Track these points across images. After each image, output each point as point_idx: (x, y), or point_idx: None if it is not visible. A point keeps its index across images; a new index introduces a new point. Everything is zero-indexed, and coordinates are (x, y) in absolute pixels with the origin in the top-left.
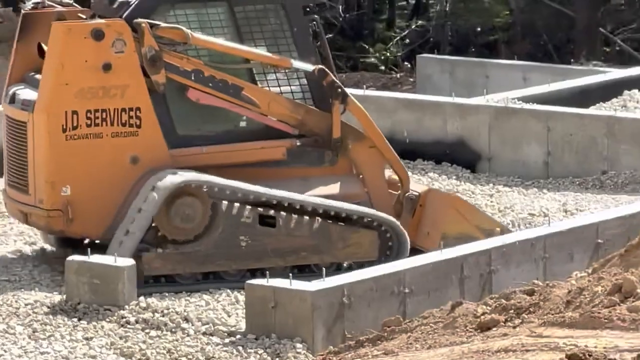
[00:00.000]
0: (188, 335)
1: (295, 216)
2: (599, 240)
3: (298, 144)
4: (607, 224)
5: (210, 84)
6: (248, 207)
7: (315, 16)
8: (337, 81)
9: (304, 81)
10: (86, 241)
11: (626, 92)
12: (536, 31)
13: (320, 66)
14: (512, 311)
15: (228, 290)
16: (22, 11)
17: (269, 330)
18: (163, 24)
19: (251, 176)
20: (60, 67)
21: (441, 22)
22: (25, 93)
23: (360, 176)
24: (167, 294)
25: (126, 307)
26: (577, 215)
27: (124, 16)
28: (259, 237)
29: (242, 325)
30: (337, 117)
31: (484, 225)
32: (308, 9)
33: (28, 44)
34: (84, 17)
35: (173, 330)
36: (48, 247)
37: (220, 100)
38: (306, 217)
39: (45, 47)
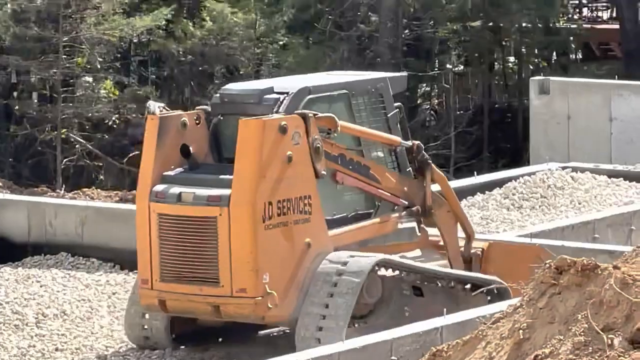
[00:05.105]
0: None
1: (435, 286)
2: (393, 358)
3: (404, 213)
4: (402, 341)
5: (350, 167)
6: (407, 280)
7: (400, 104)
8: (427, 155)
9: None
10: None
11: None
12: None
13: (417, 142)
14: None
15: None
16: (158, 115)
17: None
18: (320, 114)
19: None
20: (259, 160)
21: None
22: (200, 190)
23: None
24: None
25: None
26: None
27: (280, 111)
28: (414, 307)
29: None
30: (430, 187)
31: None
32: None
33: (164, 146)
34: (196, 118)
35: None
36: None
37: (358, 181)
38: (442, 286)
39: (191, 148)
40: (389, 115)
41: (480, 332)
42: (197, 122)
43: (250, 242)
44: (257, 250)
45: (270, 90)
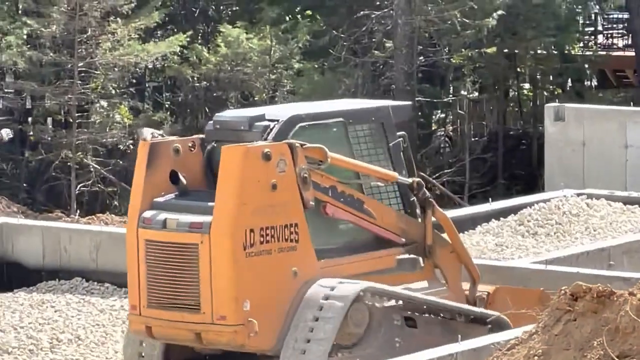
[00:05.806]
0: None
1: (430, 317)
2: None
3: (402, 251)
4: None
5: (342, 199)
6: (398, 310)
7: (404, 132)
8: (428, 193)
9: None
10: None
11: None
12: None
13: (417, 179)
14: None
15: None
16: (149, 141)
17: None
18: (308, 144)
19: None
20: (240, 187)
21: None
22: (184, 217)
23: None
24: None
25: None
26: None
27: (268, 139)
28: (406, 338)
29: None
30: (430, 225)
31: None
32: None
33: (155, 172)
34: (191, 145)
35: None
36: None
37: (350, 214)
38: (438, 318)
39: (180, 175)
40: (390, 145)
41: (495, 359)
42: (192, 148)
43: (231, 269)
44: (237, 278)
45: (262, 118)
